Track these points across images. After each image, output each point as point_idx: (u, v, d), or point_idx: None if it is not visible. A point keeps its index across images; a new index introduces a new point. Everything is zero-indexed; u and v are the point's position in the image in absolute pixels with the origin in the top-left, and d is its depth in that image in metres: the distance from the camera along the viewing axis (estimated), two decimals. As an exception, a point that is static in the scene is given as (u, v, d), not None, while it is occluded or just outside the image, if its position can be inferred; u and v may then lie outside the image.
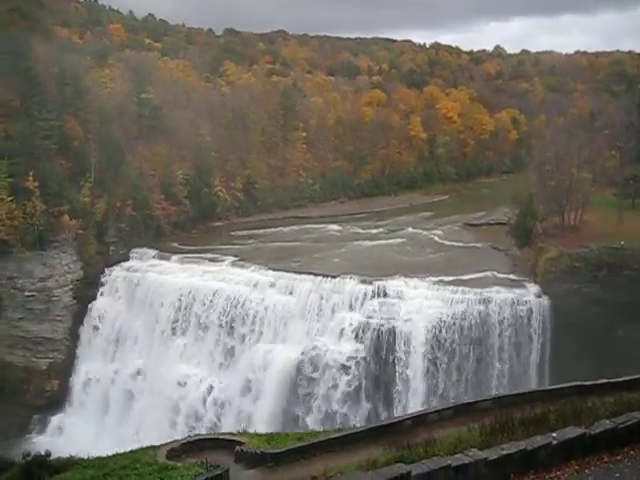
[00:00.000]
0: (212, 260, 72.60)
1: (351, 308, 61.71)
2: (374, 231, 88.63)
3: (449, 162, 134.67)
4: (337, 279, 63.48)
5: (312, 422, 57.33)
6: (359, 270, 66.02)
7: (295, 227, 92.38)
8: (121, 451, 27.93)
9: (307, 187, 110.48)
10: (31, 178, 70.39)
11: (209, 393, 63.62)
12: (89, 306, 72.55)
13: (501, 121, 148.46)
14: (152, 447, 27.31)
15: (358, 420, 57.69)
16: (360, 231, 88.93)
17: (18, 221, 70.37)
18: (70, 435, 60.70)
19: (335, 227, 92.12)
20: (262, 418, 58.44)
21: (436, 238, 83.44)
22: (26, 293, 71.50)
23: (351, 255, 75.64)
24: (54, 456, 26.40)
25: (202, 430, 56.90)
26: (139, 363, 67.89)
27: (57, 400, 70.07)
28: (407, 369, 59.58)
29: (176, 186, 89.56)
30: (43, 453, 26.12)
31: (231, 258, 72.34)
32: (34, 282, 71.64)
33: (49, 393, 70.70)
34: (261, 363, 61.30)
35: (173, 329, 67.38)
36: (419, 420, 21.39)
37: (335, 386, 59.60)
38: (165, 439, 32.20)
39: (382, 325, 59.75)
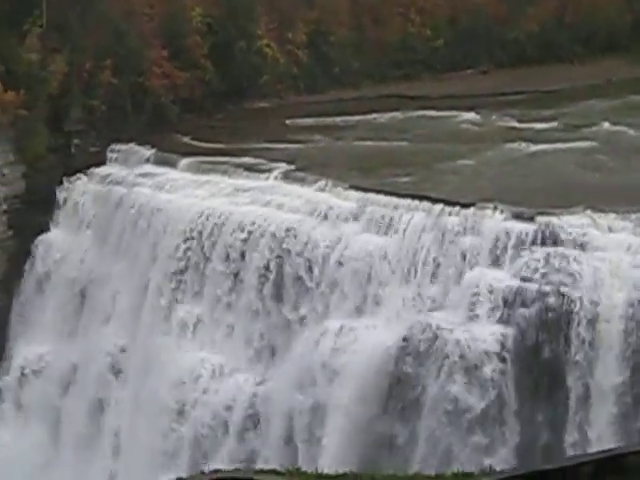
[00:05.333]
0: (250, 169, 52.25)
1: (495, 263, 42.91)
2: (540, 126, 64.99)
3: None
4: (471, 210, 44.57)
5: (418, 456, 40.45)
6: (511, 195, 46.74)
7: (399, 114, 68.07)
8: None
9: (422, 43, 78.84)
10: None
11: (239, 399, 45.59)
12: (35, 242, 54.48)
13: None
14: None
15: (500, 458, 39.74)
16: (515, 125, 65.74)
17: None
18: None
19: (471, 116, 68.40)
20: (332, 444, 42.05)
21: (655, 142, 63.43)
22: None
23: (498, 168, 54.36)
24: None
25: (224, 462, 41.14)
26: (117, 344, 49.63)
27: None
28: (590, 377, 40.62)
29: (190, 36, 64.33)
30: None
31: (284, 166, 51.81)
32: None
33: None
34: (331, 352, 43.26)
35: (178, 287, 48.61)
36: (608, 465, 15.00)
37: (461, 398, 41.13)
38: (159, 476, 32.90)
39: (549, 295, 41.03)
